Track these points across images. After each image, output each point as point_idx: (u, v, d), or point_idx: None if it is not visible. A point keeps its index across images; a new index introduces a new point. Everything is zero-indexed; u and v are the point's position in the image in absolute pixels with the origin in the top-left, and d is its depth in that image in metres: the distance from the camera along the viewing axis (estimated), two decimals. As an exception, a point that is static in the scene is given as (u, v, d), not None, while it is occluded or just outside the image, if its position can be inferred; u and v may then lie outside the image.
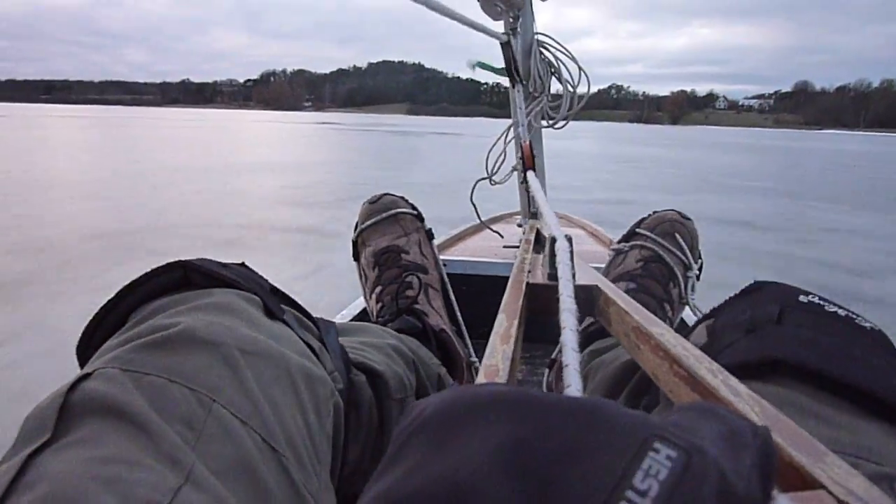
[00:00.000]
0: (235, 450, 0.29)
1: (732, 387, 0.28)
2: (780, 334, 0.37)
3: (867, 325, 0.39)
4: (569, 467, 0.14)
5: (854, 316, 0.39)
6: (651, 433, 0.14)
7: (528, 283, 0.50)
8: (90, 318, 0.35)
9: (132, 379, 0.29)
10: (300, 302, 0.46)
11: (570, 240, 0.46)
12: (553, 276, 0.50)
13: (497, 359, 0.33)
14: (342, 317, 0.93)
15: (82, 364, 0.34)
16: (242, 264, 0.43)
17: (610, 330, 0.45)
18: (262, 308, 0.39)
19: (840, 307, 0.41)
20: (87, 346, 0.35)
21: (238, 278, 0.39)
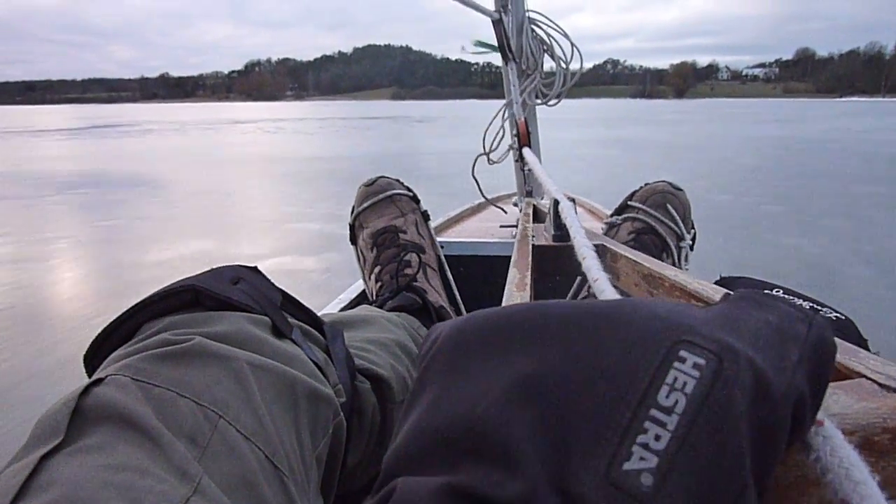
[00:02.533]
0: (239, 467, 0.30)
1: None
2: None
3: (833, 315, 0.42)
4: (589, 392, 0.13)
5: (820, 307, 0.42)
6: (677, 339, 0.14)
7: (534, 245, 0.52)
8: (100, 329, 0.36)
9: (142, 389, 0.30)
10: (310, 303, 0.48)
11: (573, 200, 0.49)
12: (558, 237, 0.54)
13: (515, 302, 0.35)
14: (340, 300, 0.97)
15: (89, 372, 0.35)
16: (255, 269, 0.45)
17: (618, 284, 0.47)
18: (271, 328, 0.40)
19: (807, 299, 0.43)
20: (95, 355, 0.36)
21: (248, 299, 0.40)
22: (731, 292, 0.18)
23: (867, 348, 0.43)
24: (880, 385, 0.19)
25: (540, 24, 1.11)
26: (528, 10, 1.10)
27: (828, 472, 0.15)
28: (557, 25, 1.11)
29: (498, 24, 1.07)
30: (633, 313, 0.15)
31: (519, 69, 1.10)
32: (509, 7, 1.08)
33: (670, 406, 0.13)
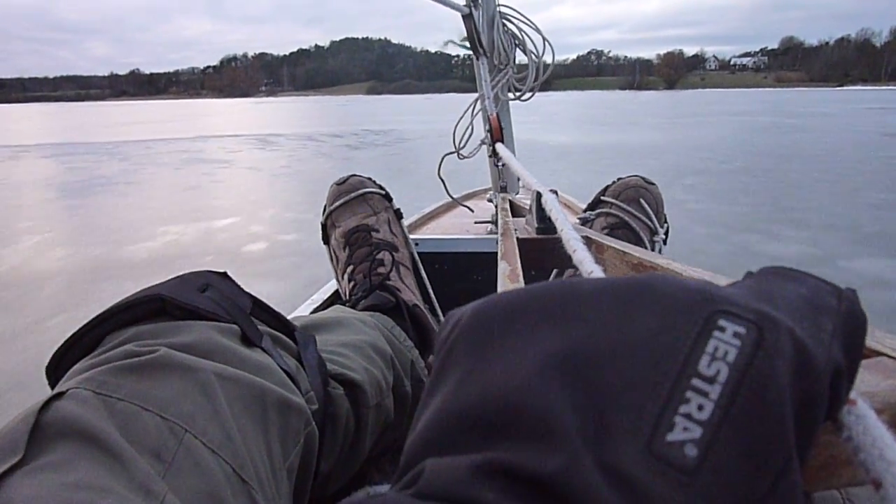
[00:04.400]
0: (205, 482, 0.30)
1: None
2: None
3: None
4: (626, 364, 0.13)
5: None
6: (715, 308, 0.14)
7: (519, 239, 0.53)
8: (63, 340, 0.36)
9: (105, 403, 0.30)
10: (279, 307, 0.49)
11: (555, 192, 0.50)
12: (542, 229, 0.54)
13: None
14: (313, 301, 0.97)
15: (52, 385, 0.35)
16: (224, 274, 0.45)
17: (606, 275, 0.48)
18: (240, 336, 0.40)
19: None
20: (58, 367, 0.36)
21: (216, 307, 0.40)
22: (751, 271, 0.18)
23: None
24: None
25: (511, 18, 1.12)
26: (499, 5, 1.12)
27: (860, 452, 0.15)
28: (529, 20, 1.12)
29: (468, 18, 1.08)
30: (665, 284, 0.15)
31: (491, 64, 1.11)
32: (479, 2, 1.09)
33: (712, 375, 0.13)
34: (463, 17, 1.09)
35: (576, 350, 0.14)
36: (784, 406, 0.13)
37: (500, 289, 0.36)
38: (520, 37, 1.13)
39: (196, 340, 0.36)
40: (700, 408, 0.13)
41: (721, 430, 0.12)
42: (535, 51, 1.12)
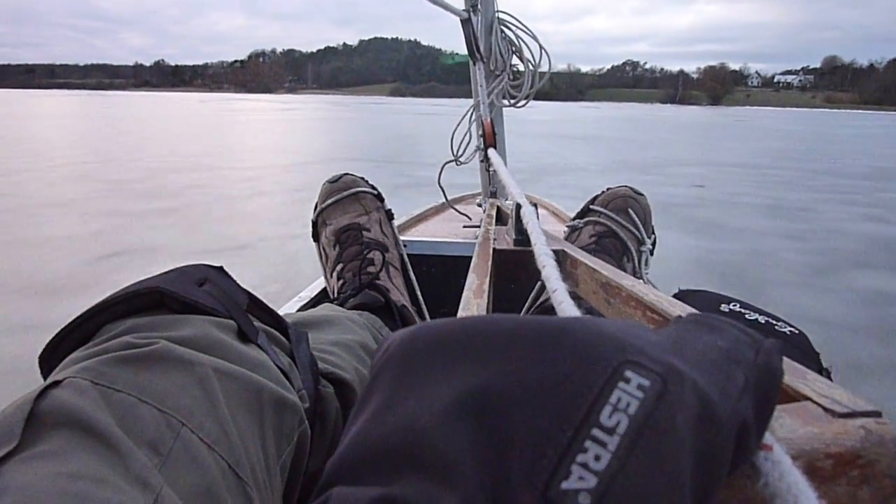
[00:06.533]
0: (201, 477, 0.31)
1: (718, 316, 0.34)
2: None
3: (786, 329, 0.44)
4: (532, 409, 0.14)
5: (774, 322, 0.45)
6: (624, 359, 0.14)
7: (494, 249, 0.55)
8: (59, 329, 0.36)
9: (102, 394, 0.30)
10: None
11: (535, 205, 0.52)
12: (519, 241, 0.57)
13: (472, 310, 0.36)
14: (300, 298, 1.00)
15: (45, 374, 0.35)
16: (220, 269, 0.46)
17: (577, 291, 0.50)
18: (237, 332, 0.41)
19: (761, 313, 0.46)
20: (52, 356, 0.36)
21: (214, 302, 0.41)
22: (683, 315, 0.18)
23: (819, 362, 0.46)
24: (825, 409, 0.20)
25: (509, 24, 1.15)
26: (497, 11, 1.15)
27: (776, 498, 0.15)
28: (526, 27, 1.16)
29: (466, 23, 1.12)
30: (582, 331, 0.15)
31: (487, 70, 1.14)
32: (479, 7, 1.13)
33: (612, 426, 0.13)
34: (462, 21, 1.12)
35: (487, 390, 0.14)
36: (681, 460, 0.13)
37: (462, 303, 0.37)
38: (517, 44, 1.16)
39: (195, 335, 0.37)
40: (597, 458, 0.13)
41: (616, 481, 0.13)
42: (531, 59, 1.15)
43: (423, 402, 0.15)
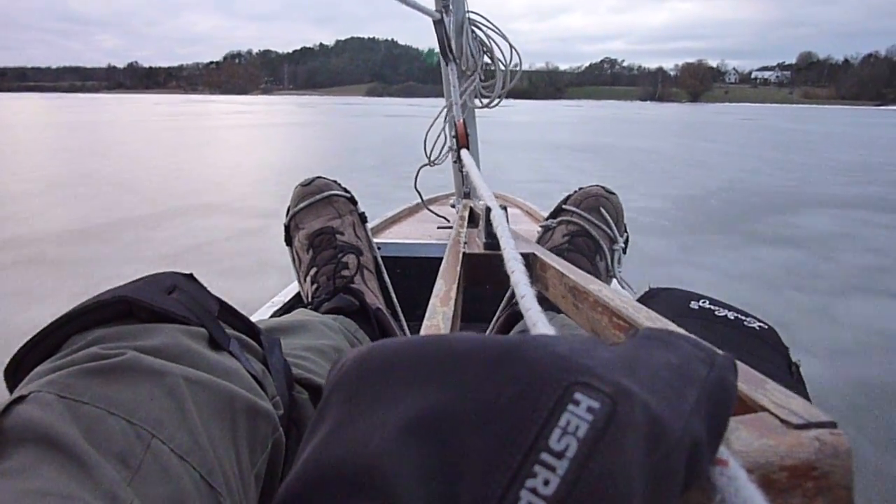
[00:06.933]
0: (173, 489, 0.30)
1: (673, 331, 0.34)
2: None
3: (755, 325, 0.45)
4: (481, 432, 0.14)
5: (743, 318, 0.45)
6: (574, 380, 0.14)
7: (464, 253, 0.56)
8: (24, 341, 0.36)
9: (69, 407, 0.30)
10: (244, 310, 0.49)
11: (505, 209, 0.52)
12: (489, 245, 0.58)
13: (438, 319, 0.36)
14: (273, 303, 1.00)
15: (11, 388, 0.35)
16: (190, 276, 0.46)
17: (547, 295, 0.51)
18: (208, 340, 0.41)
19: (731, 309, 0.46)
20: (17, 369, 0.36)
21: (184, 310, 0.41)
22: (646, 322, 0.18)
23: (788, 356, 0.46)
24: (781, 420, 0.20)
25: (480, 25, 1.16)
26: (468, 11, 1.16)
27: None
28: (496, 27, 1.17)
29: (439, 24, 1.13)
30: (534, 351, 0.15)
31: (459, 70, 1.15)
32: (450, 8, 1.13)
33: (561, 450, 0.13)
34: (434, 22, 1.13)
35: (438, 412, 0.14)
36: (632, 482, 0.13)
37: (429, 311, 0.37)
38: (488, 44, 1.17)
39: (164, 344, 0.37)
40: (546, 483, 0.13)
41: None
42: (502, 59, 1.16)
43: (374, 424, 0.15)
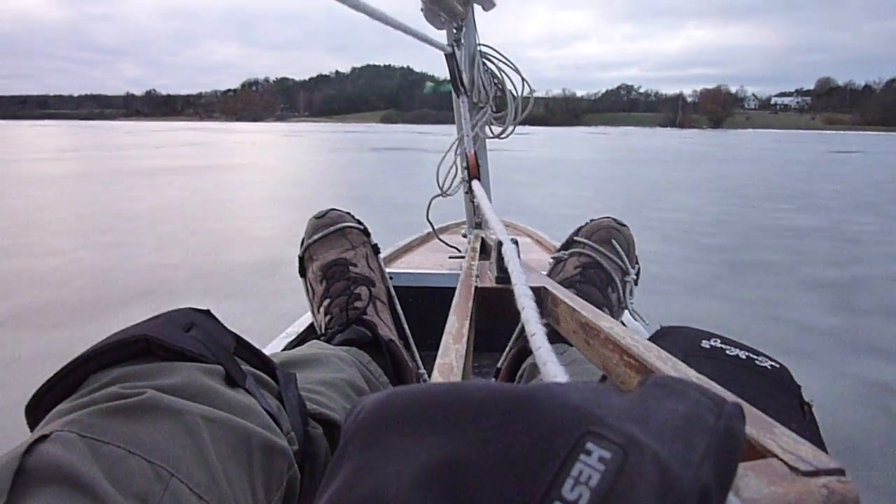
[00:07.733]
0: None
1: (682, 371, 0.32)
2: None
3: (767, 364, 0.45)
4: (496, 481, 0.14)
5: (755, 357, 0.45)
6: (586, 430, 0.15)
7: (476, 287, 0.56)
8: (45, 380, 0.37)
9: (90, 447, 0.31)
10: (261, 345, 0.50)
11: (516, 242, 0.53)
12: (501, 278, 0.58)
13: (451, 357, 0.36)
14: (287, 334, 1.01)
15: (31, 425, 0.36)
16: (207, 312, 0.46)
17: (558, 328, 0.51)
18: (225, 377, 0.42)
19: (742, 348, 0.46)
20: (38, 407, 0.36)
21: (201, 348, 0.42)
22: (651, 379, 0.19)
23: (800, 396, 0.46)
24: (790, 467, 0.20)
25: (491, 57, 1.18)
26: (479, 45, 1.18)
27: None
28: (508, 59, 1.19)
29: (451, 57, 1.15)
30: (547, 401, 0.16)
31: (470, 102, 1.17)
32: (462, 41, 1.16)
33: (574, 500, 0.13)
34: (446, 56, 1.15)
35: (454, 461, 0.15)
36: None
37: (441, 348, 0.38)
38: (499, 76, 1.19)
39: (182, 382, 0.38)
40: None
41: None
42: (513, 90, 1.18)
43: (393, 470, 0.15)
